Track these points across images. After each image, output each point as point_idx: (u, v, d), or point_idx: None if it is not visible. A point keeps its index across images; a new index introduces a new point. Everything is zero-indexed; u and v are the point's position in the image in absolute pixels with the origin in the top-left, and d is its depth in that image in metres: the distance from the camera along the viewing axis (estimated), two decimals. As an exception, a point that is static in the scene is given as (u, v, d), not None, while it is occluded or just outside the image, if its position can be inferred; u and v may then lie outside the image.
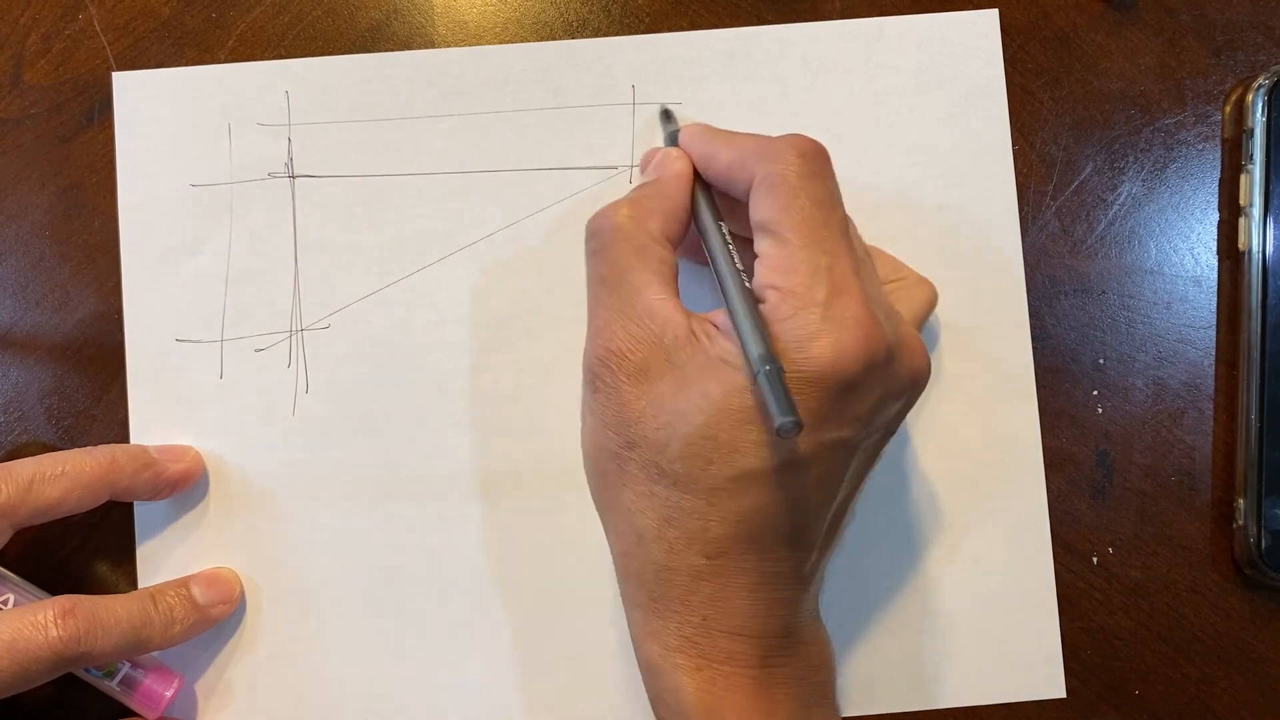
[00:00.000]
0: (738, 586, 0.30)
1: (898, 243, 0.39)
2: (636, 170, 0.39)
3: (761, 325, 0.28)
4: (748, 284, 0.30)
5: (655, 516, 0.30)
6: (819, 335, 0.28)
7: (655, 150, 0.36)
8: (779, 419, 0.26)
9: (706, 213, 0.33)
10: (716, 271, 0.31)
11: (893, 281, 0.35)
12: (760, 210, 0.30)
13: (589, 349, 0.31)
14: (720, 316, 0.30)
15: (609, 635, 0.38)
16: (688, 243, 0.34)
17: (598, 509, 0.32)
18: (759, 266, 0.30)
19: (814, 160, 0.31)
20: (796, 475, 0.29)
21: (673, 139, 0.36)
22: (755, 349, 0.28)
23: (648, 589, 0.30)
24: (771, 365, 0.27)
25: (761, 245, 0.30)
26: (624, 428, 0.30)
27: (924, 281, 0.36)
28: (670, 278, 0.31)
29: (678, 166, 0.34)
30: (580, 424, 0.32)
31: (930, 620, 0.38)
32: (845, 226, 0.31)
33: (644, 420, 0.29)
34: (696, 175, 0.34)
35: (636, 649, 0.32)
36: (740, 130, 0.34)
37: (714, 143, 0.33)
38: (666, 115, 0.39)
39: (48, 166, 0.39)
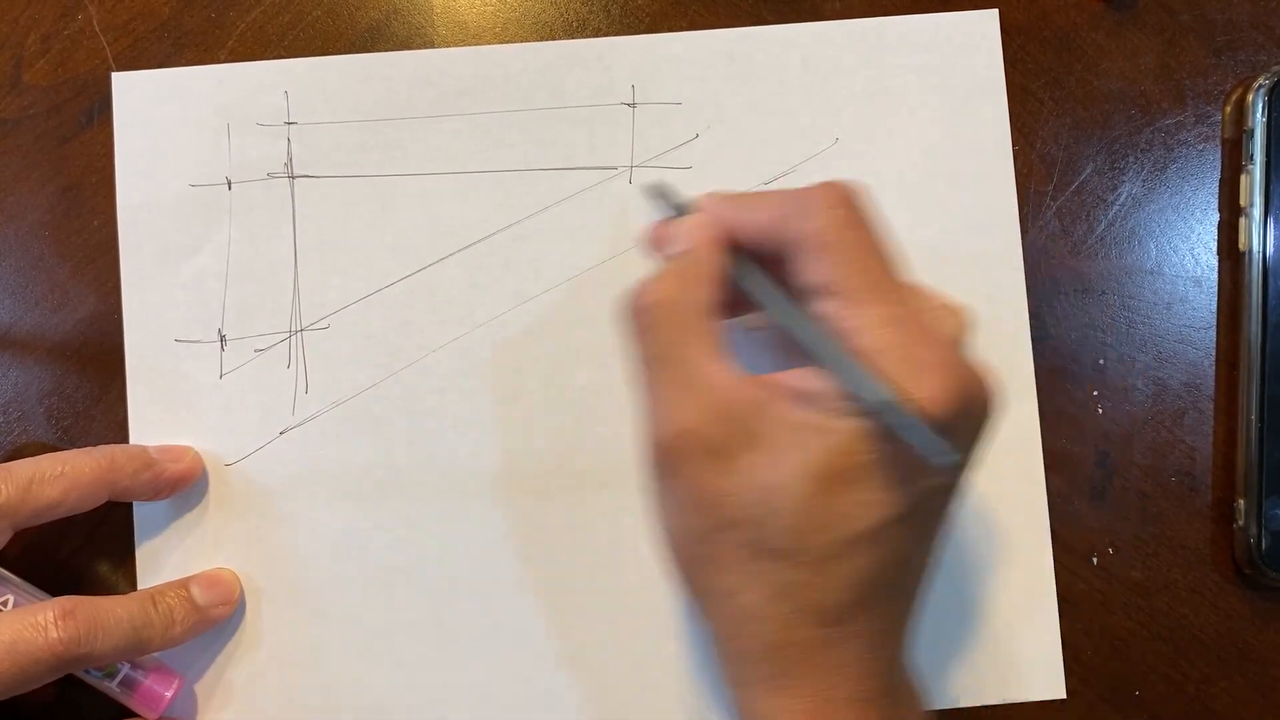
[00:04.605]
0: (855, 652, 0.29)
1: (898, 243, 0.39)
2: (636, 170, 0.39)
3: (877, 373, 0.27)
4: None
5: (762, 594, 0.28)
6: (917, 385, 0.27)
7: (665, 224, 0.33)
8: (941, 460, 0.26)
9: (760, 276, 0.31)
10: (793, 332, 0.30)
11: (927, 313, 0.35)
12: (813, 273, 0.29)
13: (656, 433, 0.29)
14: (790, 378, 0.29)
15: (609, 635, 0.38)
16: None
17: (689, 593, 0.31)
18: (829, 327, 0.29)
19: (852, 207, 0.30)
20: (902, 529, 0.28)
21: (680, 209, 0.34)
22: (883, 394, 0.27)
23: (762, 668, 0.29)
24: (907, 407, 0.26)
25: (827, 306, 0.29)
26: (711, 509, 0.28)
27: (954, 309, 0.34)
28: (724, 348, 0.30)
29: (709, 234, 0.32)
30: (659, 510, 0.31)
31: (930, 620, 0.38)
32: (897, 265, 0.30)
33: (734, 498, 0.28)
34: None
35: None
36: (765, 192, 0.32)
37: (742, 207, 0.32)
38: (660, 190, 0.35)
39: (47, 167, 0.39)
